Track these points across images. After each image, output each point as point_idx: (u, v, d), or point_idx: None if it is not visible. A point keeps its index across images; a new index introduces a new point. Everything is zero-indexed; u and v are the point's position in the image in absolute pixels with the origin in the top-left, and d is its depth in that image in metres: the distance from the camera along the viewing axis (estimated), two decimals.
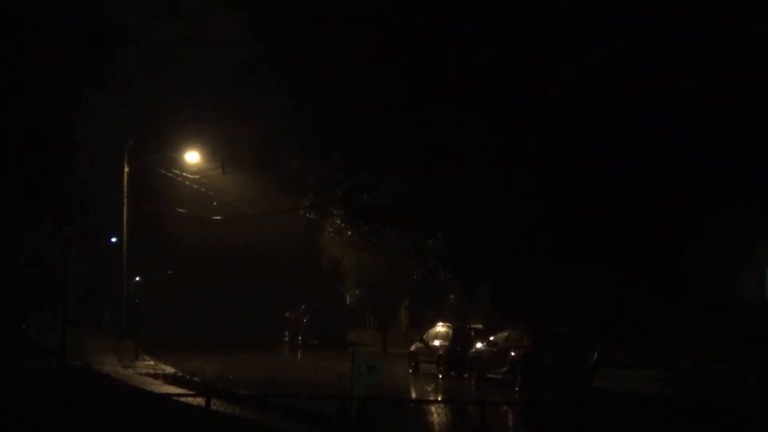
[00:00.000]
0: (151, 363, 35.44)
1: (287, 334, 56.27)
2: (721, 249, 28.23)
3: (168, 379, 29.90)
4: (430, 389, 32.09)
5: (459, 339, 35.98)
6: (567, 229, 21.93)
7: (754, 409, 25.43)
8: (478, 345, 33.91)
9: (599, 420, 22.23)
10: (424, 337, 38.00)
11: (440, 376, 35.37)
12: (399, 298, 51.37)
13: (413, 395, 30.40)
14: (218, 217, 48.98)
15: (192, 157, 45.96)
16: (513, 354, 31.08)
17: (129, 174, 45.95)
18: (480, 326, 37.55)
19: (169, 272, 65.24)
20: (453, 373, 35.20)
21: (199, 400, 16.68)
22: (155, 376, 30.42)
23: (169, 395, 22.44)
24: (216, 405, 14.86)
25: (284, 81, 22.87)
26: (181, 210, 49.63)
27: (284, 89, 23.32)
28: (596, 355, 27.85)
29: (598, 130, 19.94)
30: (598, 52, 18.78)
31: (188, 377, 30.44)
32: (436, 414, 21.51)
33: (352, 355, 18.82)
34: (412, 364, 37.84)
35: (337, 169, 24.25)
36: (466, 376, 34.02)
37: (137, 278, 48.47)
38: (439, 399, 29.19)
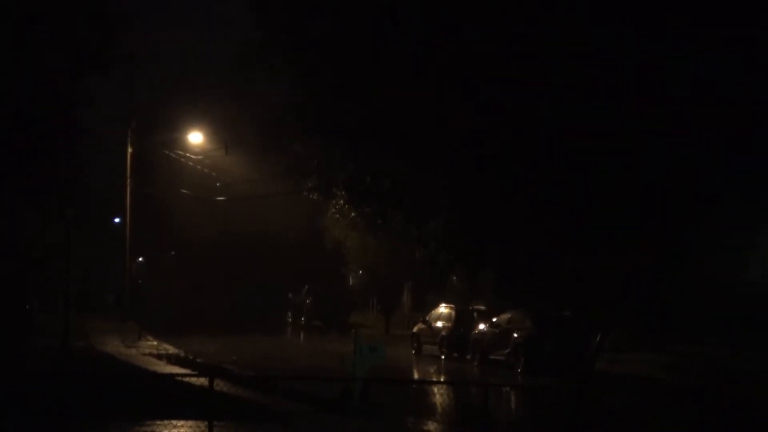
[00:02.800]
0: (154, 343, 35.55)
1: (290, 315, 56.35)
2: (726, 234, 28.18)
3: (171, 359, 30.01)
4: (432, 370, 32.17)
5: (462, 320, 36.00)
6: (571, 213, 21.90)
7: (756, 393, 25.47)
8: (481, 326, 33.94)
9: (601, 403, 22.29)
10: (427, 318, 38.01)
11: (443, 358, 35.43)
12: (402, 281, 51.41)
13: (416, 376, 30.49)
14: (221, 198, 49.00)
15: (195, 138, 45.92)
16: (515, 336, 31.12)
17: (132, 155, 45.91)
18: (483, 308, 37.55)
19: (172, 253, 65.30)
20: (455, 355, 35.26)
21: (202, 381, 16.75)
22: (158, 357, 30.54)
23: (173, 375, 22.52)
24: (219, 386, 14.91)
25: (287, 64, 22.81)
26: (184, 191, 49.63)
27: (287, 72, 23.27)
28: (599, 338, 27.86)
29: (603, 115, 19.90)
30: (608, 35, 18.73)
31: (191, 358, 30.55)
32: (439, 395, 21.57)
33: (355, 337, 18.90)
34: (415, 345, 37.88)
35: (340, 152, 24.23)
36: (468, 357, 34.08)
37: (140, 259, 48.50)
38: (442, 380, 29.26)
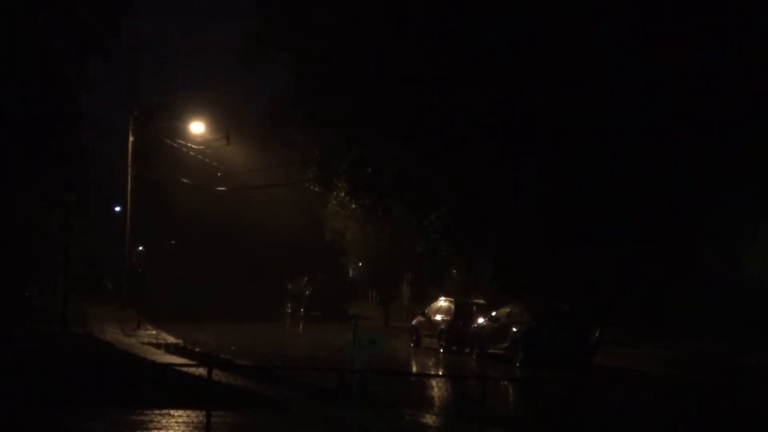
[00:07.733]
0: (153, 332, 35.54)
1: (289, 306, 56.34)
2: (725, 229, 28.17)
3: (170, 348, 29.99)
4: (431, 363, 32.16)
5: (461, 314, 35.96)
6: (571, 207, 21.88)
7: (753, 389, 25.47)
8: (480, 320, 33.92)
9: (599, 397, 22.28)
10: (426, 311, 37.99)
11: (441, 351, 35.41)
12: (401, 272, 51.41)
13: (414, 369, 30.49)
14: (222, 188, 48.99)
15: (197, 127, 45.89)
16: (514, 330, 31.10)
17: (133, 143, 45.88)
18: (482, 301, 37.49)
19: (172, 242, 65.35)
20: (454, 348, 35.24)
21: (201, 371, 16.72)
22: (157, 346, 30.51)
23: (172, 365, 22.51)
24: (218, 375, 14.89)
25: (289, 51, 22.77)
26: (185, 180, 49.60)
27: (289, 60, 23.23)
28: (598, 332, 27.82)
29: (603, 108, 19.86)
30: (608, 25, 18.66)
31: (190, 347, 30.54)
32: (437, 388, 21.57)
33: (354, 328, 18.87)
34: (414, 338, 37.86)
35: (341, 141, 24.19)
36: (467, 351, 34.05)
37: (140, 248, 48.50)
38: (440, 373, 29.25)
